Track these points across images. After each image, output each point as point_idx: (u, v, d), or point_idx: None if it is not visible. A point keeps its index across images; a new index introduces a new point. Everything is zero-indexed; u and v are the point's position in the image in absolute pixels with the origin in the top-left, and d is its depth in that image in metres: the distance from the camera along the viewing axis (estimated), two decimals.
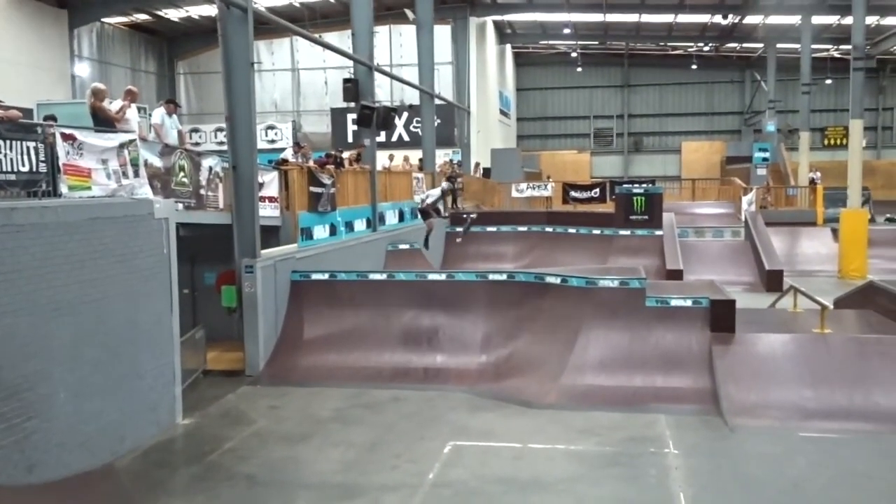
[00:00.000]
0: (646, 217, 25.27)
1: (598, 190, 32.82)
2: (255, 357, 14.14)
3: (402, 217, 23.53)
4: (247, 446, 10.54)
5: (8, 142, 8.88)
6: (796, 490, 8.79)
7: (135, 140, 11.36)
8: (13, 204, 8.74)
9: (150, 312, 10.89)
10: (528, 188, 35.76)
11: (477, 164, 36.00)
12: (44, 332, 8.84)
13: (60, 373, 9.06)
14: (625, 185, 28.37)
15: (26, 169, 9.18)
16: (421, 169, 27.15)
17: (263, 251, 14.59)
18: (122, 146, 11.00)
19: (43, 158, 9.45)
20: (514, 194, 35.37)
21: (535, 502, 8.58)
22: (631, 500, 8.61)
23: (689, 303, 13.16)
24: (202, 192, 13.79)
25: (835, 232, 27.51)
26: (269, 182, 16.15)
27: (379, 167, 22.06)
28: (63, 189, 9.79)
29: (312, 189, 17.17)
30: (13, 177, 8.99)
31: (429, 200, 16.07)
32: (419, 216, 13.61)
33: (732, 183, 38.71)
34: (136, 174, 11.22)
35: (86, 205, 9.89)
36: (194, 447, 10.65)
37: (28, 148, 9.22)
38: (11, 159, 8.95)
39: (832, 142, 50.15)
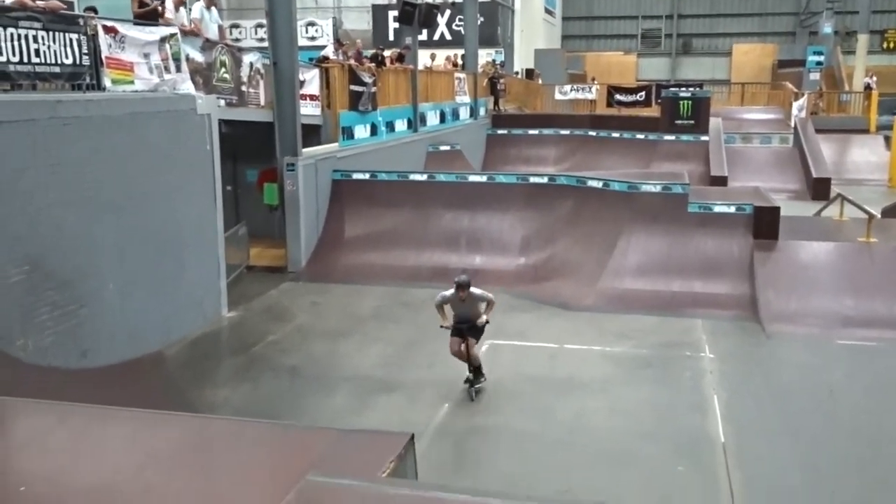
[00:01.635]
0: (692, 122, 24.72)
1: (643, 93, 31.95)
2: (297, 254, 14.36)
3: (443, 118, 23.29)
4: (289, 340, 10.84)
5: (50, 33, 8.85)
6: (831, 397, 8.83)
7: (176, 34, 11.27)
8: (59, 96, 8.81)
9: (195, 208, 11.05)
10: (571, 90, 34.99)
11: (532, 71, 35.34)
12: (91, 226, 9.04)
13: (108, 265, 9.31)
14: (671, 89, 27.61)
15: (70, 61, 9.18)
16: (462, 68, 26.65)
17: (305, 150, 14.60)
18: (163, 40, 10.92)
19: (86, 51, 9.43)
20: (558, 97, 34.64)
21: (568, 401, 8.75)
22: (664, 401, 8.73)
23: (732, 209, 12.98)
24: (243, 88, 13.73)
25: (887, 140, 26.67)
26: (310, 80, 16.00)
27: (420, 66, 21.71)
28: (107, 83, 9.80)
29: (353, 88, 16.99)
30: (57, 69, 9.01)
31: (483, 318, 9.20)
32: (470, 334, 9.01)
33: (783, 88, 37.39)
34: (178, 69, 11.18)
35: (129, 99, 9.92)
36: (239, 339, 10.98)
37: (70, 40, 9.19)
38: (55, 51, 8.94)
39: (892, 45, 47.89)
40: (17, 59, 8.37)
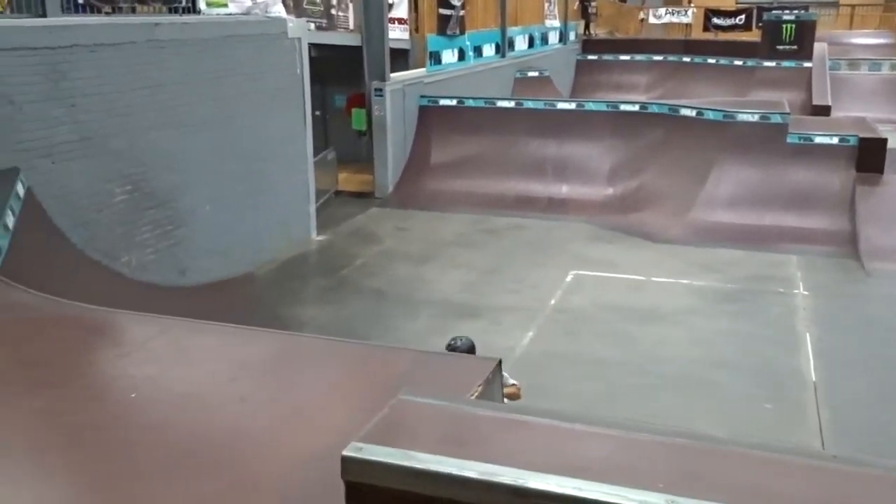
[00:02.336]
0: (794, 47, 23.48)
1: (743, 16, 30.44)
2: (384, 180, 14.50)
3: (531, 43, 22.78)
4: (375, 263, 11.05)
5: None
6: None
7: None
8: (156, 19, 8.99)
9: (284, 131, 11.22)
10: (666, 14, 33.63)
11: None
12: (184, 146, 9.30)
13: (202, 185, 9.60)
14: (774, 12, 26.21)
15: None
16: None
17: (393, 74, 14.57)
18: None
19: None
20: (651, 20, 33.39)
21: (650, 331, 8.70)
22: (748, 336, 8.57)
23: (834, 140, 12.40)
24: (333, 12, 13.72)
25: None
26: (399, 2, 15.84)
27: None
28: (202, 5, 9.95)
29: (441, 11, 16.76)
30: None
31: None
32: None
33: None
34: None
35: (223, 22, 10.06)
36: (327, 261, 11.26)
37: None
38: None
39: None
40: None
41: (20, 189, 6.66)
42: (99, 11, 8.41)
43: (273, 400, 3.37)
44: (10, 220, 5.95)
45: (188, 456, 2.84)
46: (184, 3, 9.55)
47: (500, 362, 3.16)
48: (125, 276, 8.21)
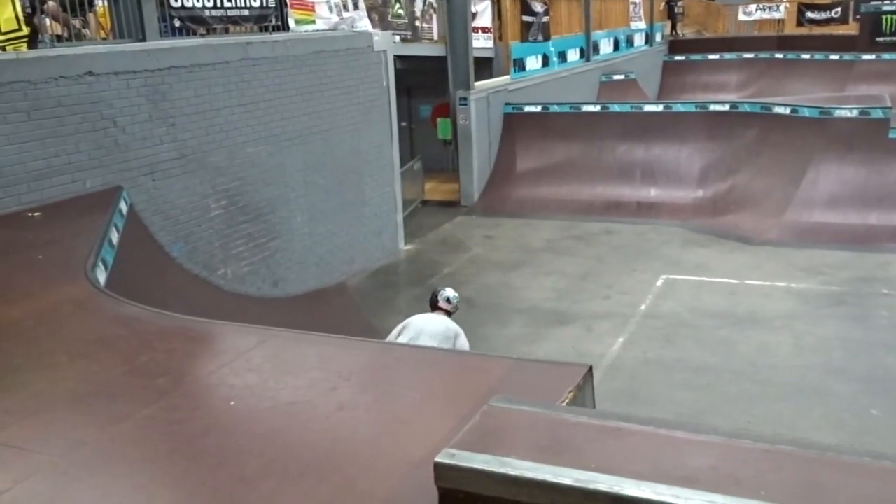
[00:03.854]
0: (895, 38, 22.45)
1: (839, 9, 29.25)
2: (470, 188, 14.55)
3: (616, 46, 22.50)
4: (464, 271, 11.09)
5: None
6: None
7: None
8: (248, 38, 9.30)
9: (373, 143, 11.41)
10: (756, 10, 32.64)
11: None
12: (279, 160, 9.58)
13: (296, 198, 9.86)
14: (872, 3, 25.12)
15: (257, 4, 9.64)
16: None
17: (477, 83, 14.64)
18: None
19: None
20: (742, 17, 32.41)
21: (750, 337, 8.44)
22: (856, 340, 8.22)
23: None
24: (417, 23, 13.89)
25: None
26: (482, 11, 15.93)
27: None
28: (291, 23, 10.23)
29: (524, 18, 16.75)
30: (246, 12, 9.50)
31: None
32: None
33: None
34: (356, 6, 11.46)
35: (311, 38, 10.31)
36: (416, 270, 11.37)
37: None
38: None
39: None
40: (210, 3, 8.89)
41: (123, 206, 6.98)
42: (194, 33, 8.76)
43: (371, 408, 3.43)
44: (115, 237, 6.23)
45: (293, 462, 2.92)
46: (274, 22, 9.84)
47: (590, 369, 3.13)
48: (222, 288, 8.50)
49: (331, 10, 10.94)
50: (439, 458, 1.98)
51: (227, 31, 9.33)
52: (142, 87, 7.64)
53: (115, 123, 7.37)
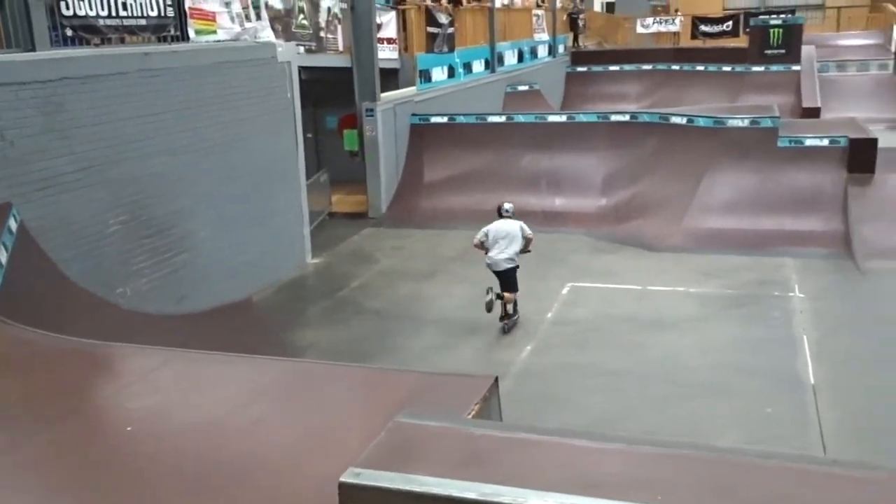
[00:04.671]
0: (782, 51, 23.62)
1: (730, 23, 30.59)
2: (378, 200, 14.51)
3: (521, 57, 22.89)
4: (374, 283, 11.04)
5: None
6: None
7: None
8: (147, 49, 9.04)
9: (278, 155, 11.25)
10: (654, 23, 33.85)
11: None
12: (186, 172, 9.33)
13: (203, 210, 9.62)
14: (761, 17, 26.40)
15: (155, 13, 9.38)
16: (541, 5, 26.05)
17: (383, 94, 14.63)
18: None
19: (170, 2, 9.61)
20: (640, 30, 33.59)
21: (657, 340, 8.69)
22: (753, 340, 8.57)
23: (825, 142, 12.45)
24: (322, 34, 13.78)
25: None
26: (387, 23, 15.94)
27: (497, 4, 21.31)
28: (191, 33, 10.00)
29: (429, 29, 16.86)
30: (143, 21, 9.23)
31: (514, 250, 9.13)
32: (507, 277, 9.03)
33: (884, 10, 35.20)
34: (258, 17, 11.30)
35: (213, 49, 10.11)
36: (325, 284, 11.25)
37: None
38: (140, 3, 9.15)
39: None
40: (105, 13, 8.60)
41: (13, 224, 6.66)
42: (88, 43, 8.45)
43: (283, 426, 3.37)
44: (3, 257, 5.94)
45: (201, 482, 2.84)
46: (173, 32, 9.60)
47: (496, 380, 3.16)
48: (120, 307, 8.20)
49: (233, 20, 10.75)
50: (344, 478, 1.96)
51: (122, 41, 9.04)
52: (32, 99, 7.31)
53: (3, 137, 7.03)
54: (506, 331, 9.02)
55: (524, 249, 9.10)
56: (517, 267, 9.03)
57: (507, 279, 9.00)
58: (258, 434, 3.21)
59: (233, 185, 10.19)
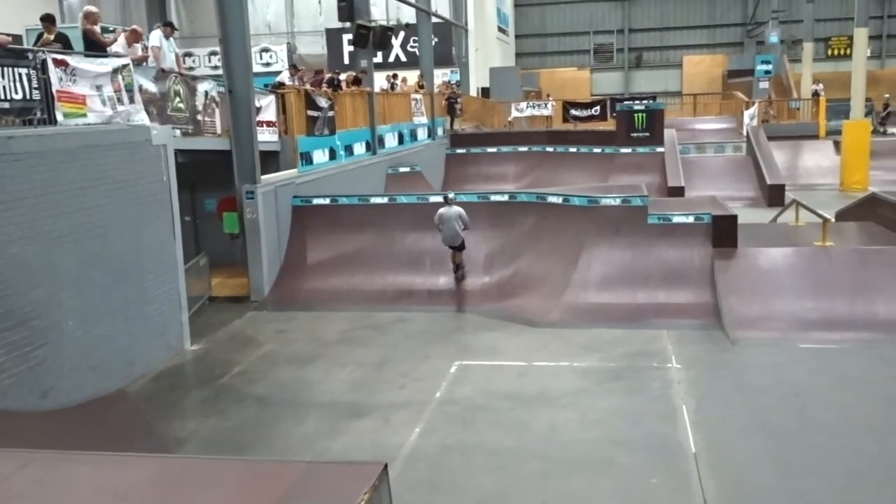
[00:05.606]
0: (647, 134, 25.08)
1: (598, 107, 32.32)
2: (260, 282, 14.22)
3: (401, 139, 23.32)
4: (256, 369, 10.71)
5: None
6: (797, 397, 8.95)
7: (128, 65, 11.16)
8: (10, 132, 8.65)
9: (154, 239, 10.90)
10: (527, 107, 35.33)
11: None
12: (50, 260, 8.87)
13: (69, 299, 9.13)
14: (626, 102, 28.02)
15: (20, 97, 9.04)
16: (421, 88, 26.74)
17: (263, 176, 14.52)
18: (115, 71, 10.80)
19: (36, 85, 9.30)
20: (514, 114, 34.96)
21: (540, 416, 8.75)
22: (634, 412, 8.77)
23: (691, 219, 13.15)
24: (199, 117, 13.61)
25: (837, 144, 27.33)
26: (267, 106, 15.93)
27: (377, 89, 21.74)
28: (59, 116, 9.66)
29: (310, 112, 16.96)
30: (7, 105, 8.87)
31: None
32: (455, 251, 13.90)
33: (734, 97, 38.18)
34: (132, 100, 11.06)
35: (83, 132, 9.78)
36: (204, 371, 10.81)
37: (20, 75, 9.06)
38: (4, 87, 8.80)
39: (835, 52, 49.16)
40: None
41: None
42: None
43: None
44: None
45: None
46: (39, 115, 9.25)
47: (385, 467, 3.08)
48: None
49: (104, 103, 10.47)
50: None
51: None
52: None
53: None
54: (458, 280, 13.75)
55: (464, 228, 13.57)
56: (461, 237, 13.56)
57: (454, 246, 13.56)
58: None
59: (101, 273, 9.75)
